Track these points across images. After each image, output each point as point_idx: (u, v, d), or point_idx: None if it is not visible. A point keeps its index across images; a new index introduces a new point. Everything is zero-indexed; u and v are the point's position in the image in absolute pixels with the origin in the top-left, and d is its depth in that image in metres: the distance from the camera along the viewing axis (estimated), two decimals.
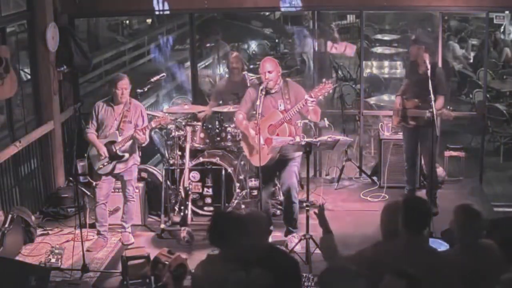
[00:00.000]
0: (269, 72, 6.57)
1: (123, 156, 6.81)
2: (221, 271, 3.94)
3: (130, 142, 6.82)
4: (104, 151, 6.76)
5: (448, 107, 7.25)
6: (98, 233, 7.09)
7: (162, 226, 7.25)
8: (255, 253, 4.17)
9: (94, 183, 7.07)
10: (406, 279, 3.52)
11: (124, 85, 6.77)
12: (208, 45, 12.86)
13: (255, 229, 4.26)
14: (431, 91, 6.79)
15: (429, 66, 6.92)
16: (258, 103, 6.47)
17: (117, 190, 7.20)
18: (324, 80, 6.63)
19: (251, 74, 8.19)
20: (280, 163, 6.73)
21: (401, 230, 4.11)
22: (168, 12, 8.74)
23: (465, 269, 4.06)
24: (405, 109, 7.44)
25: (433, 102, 6.81)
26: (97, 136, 6.86)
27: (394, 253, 4.04)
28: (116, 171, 6.89)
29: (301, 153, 6.73)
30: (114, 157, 6.80)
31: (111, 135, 6.81)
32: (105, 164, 6.81)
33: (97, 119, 6.86)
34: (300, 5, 8.43)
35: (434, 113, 6.77)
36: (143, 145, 6.97)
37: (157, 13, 8.91)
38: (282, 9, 8.80)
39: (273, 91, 6.65)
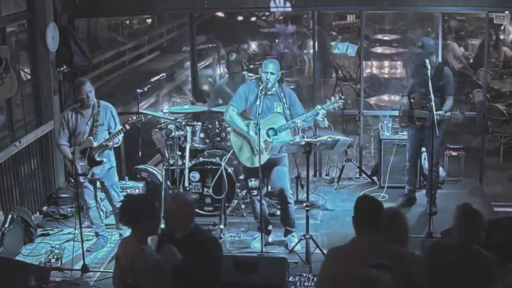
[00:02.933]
0: (271, 73, 6.56)
1: (101, 162, 6.75)
2: (133, 250, 4.23)
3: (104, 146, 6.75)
4: (79, 165, 6.67)
5: (458, 110, 7.25)
6: (97, 235, 7.09)
7: (162, 226, 7.23)
8: (180, 233, 4.49)
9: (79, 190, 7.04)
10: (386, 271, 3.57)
11: (87, 88, 6.68)
12: (210, 45, 12.87)
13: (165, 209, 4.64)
14: (431, 92, 6.83)
15: (429, 67, 6.95)
16: (258, 103, 6.46)
17: None
18: (338, 95, 6.73)
19: (251, 74, 8.19)
20: (267, 165, 6.70)
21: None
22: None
23: (454, 269, 4.06)
24: (412, 109, 7.44)
25: (433, 103, 6.84)
26: (70, 145, 6.73)
27: (348, 253, 4.06)
28: (95, 177, 6.84)
29: (286, 154, 6.78)
30: (92, 163, 6.73)
31: (85, 142, 6.72)
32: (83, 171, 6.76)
33: (69, 128, 6.74)
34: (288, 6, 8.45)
35: (434, 113, 6.79)
36: (116, 145, 6.91)
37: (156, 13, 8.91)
38: (272, 10, 8.82)
39: (269, 92, 6.65)
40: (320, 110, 6.57)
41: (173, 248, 4.34)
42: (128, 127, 6.76)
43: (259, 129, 6.36)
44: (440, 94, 7.24)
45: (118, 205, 6.83)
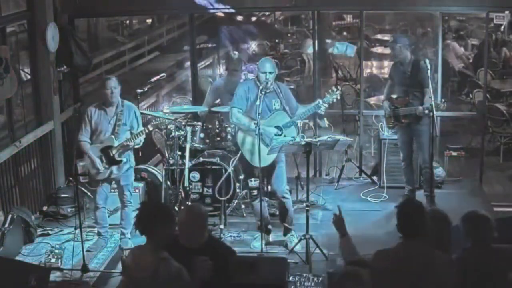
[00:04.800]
0: (270, 73, 6.58)
1: (120, 161, 6.75)
2: (152, 260, 4.07)
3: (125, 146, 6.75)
4: (98, 163, 6.69)
5: (442, 100, 7.31)
6: (99, 234, 7.09)
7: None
8: (194, 244, 4.40)
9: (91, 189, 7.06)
10: (362, 266, 3.58)
11: (112, 84, 6.69)
12: (210, 45, 12.89)
13: (188, 220, 4.44)
14: (430, 91, 6.86)
15: (429, 66, 6.99)
16: (258, 103, 6.47)
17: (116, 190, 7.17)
18: (334, 87, 6.81)
19: (251, 74, 8.19)
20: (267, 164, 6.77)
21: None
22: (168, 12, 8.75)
23: (478, 273, 4.10)
24: (397, 109, 7.48)
25: (433, 103, 6.87)
26: (91, 143, 6.76)
27: (392, 258, 4.05)
28: (112, 176, 6.84)
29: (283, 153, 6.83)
30: (112, 162, 6.73)
31: (106, 140, 6.73)
32: (101, 170, 6.75)
33: (91, 125, 6.75)
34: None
35: (434, 113, 6.81)
36: (137, 146, 6.92)
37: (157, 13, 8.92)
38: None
39: (268, 90, 6.66)
40: (322, 104, 6.69)
41: (208, 262, 4.19)
42: (151, 128, 6.78)
43: (259, 129, 6.38)
44: (420, 89, 7.32)
45: (129, 204, 6.94)
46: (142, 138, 6.78)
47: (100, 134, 6.76)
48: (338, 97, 6.86)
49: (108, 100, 6.72)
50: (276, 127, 6.66)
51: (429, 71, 7.00)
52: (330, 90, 6.78)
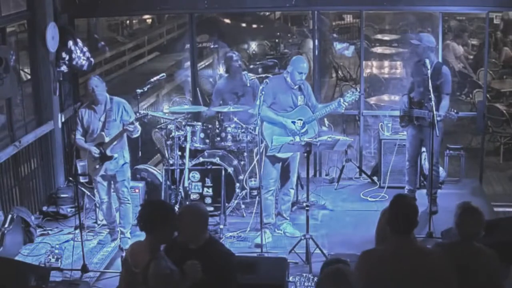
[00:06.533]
0: (305, 73, 6.81)
1: (112, 157, 6.78)
2: (146, 258, 4.11)
3: (118, 140, 6.78)
4: (94, 150, 6.73)
5: (453, 109, 7.23)
6: (111, 230, 7.13)
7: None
8: (193, 244, 4.36)
9: (94, 188, 7.09)
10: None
11: (93, 84, 6.73)
12: (211, 46, 12.88)
13: (187, 220, 4.39)
14: (431, 91, 6.83)
15: (429, 66, 6.94)
16: (258, 103, 6.58)
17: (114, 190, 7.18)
18: (354, 88, 7.08)
19: (250, 74, 8.19)
20: (286, 162, 6.96)
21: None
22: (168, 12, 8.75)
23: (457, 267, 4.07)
24: (411, 109, 7.43)
25: (433, 102, 6.83)
26: (84, 141, 6.85)
27: (384, 258, 4.01)
28: (109, 173, 6.86)
29: (298, 155, 6.97)
30: (104, 158, 6.77)
31: (98, 137, 6.77)
32: (97, 167, 6.79)
33: (83, 125, 6.84)
34: None
35: (434, 113, 6.78)
36: (134, 136, 6.91)
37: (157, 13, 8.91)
38: None
39: (295, 86, 6.87)
40: (342, 103, 6.89)
41: (198, 265, 4.18)
42: (136, 123, 6.79)
43: (259, 128, 6.55)
44: (438, 94, 7.19)
45: (126, 201, 6.94)
46: (136, 125, 6.74)
47: (92, 133, 6.84)
48: (358, 98, 7.08)
49: (95, 99, 6.78)
50: (300, 119, 6.88)
51: (429, 71, 6.89)
52: (349, 91, 6.99)
